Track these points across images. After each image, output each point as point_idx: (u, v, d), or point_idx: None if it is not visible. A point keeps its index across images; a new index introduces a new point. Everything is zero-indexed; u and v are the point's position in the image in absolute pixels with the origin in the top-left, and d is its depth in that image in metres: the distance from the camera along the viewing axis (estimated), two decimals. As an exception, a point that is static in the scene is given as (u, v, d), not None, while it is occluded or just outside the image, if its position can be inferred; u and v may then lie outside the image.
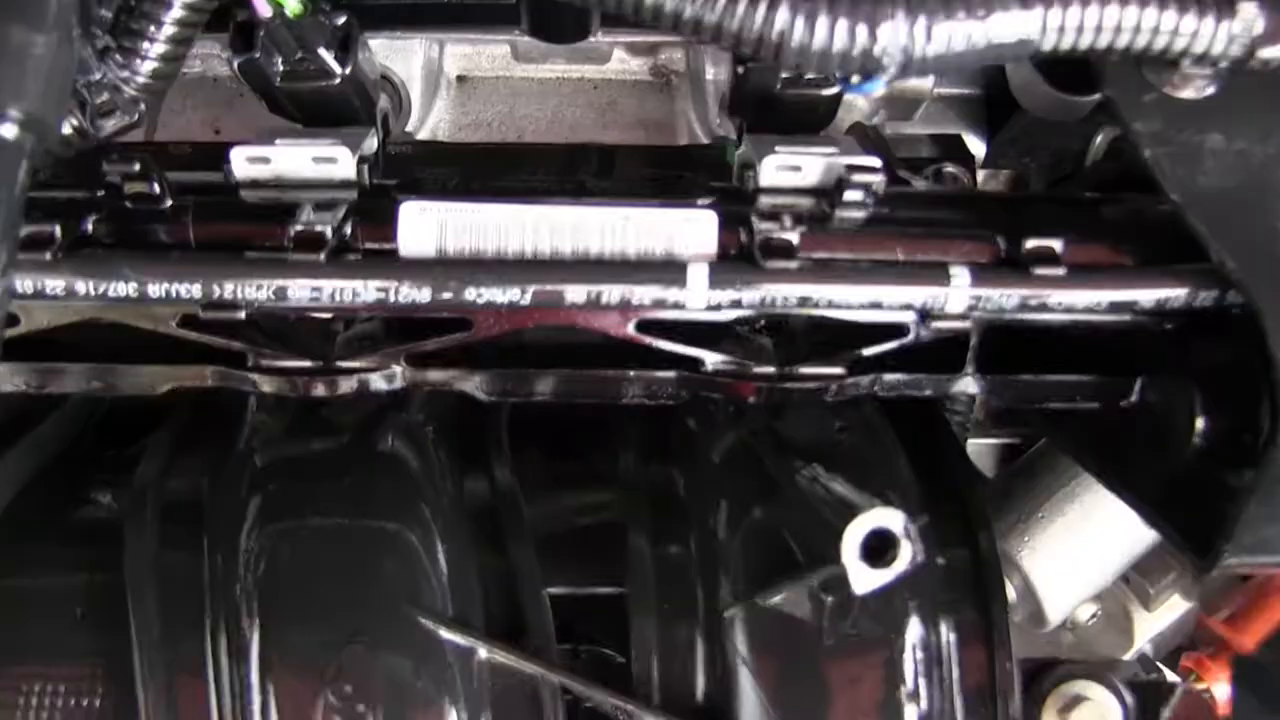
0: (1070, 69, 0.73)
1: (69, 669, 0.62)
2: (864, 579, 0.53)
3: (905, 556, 0.53)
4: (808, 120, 0.69)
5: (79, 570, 0.66)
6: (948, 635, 0.65)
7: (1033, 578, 0.86)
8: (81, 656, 0.63)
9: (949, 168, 0.81)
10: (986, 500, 0.73)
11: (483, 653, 0.60)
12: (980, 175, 0.98)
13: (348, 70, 0.66)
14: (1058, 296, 0.62)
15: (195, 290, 0.60)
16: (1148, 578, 0.95)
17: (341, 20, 0.65)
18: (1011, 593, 0.88)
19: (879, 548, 0.54)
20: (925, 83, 0.87)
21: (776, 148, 0.65)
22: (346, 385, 0.67)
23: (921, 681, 0.63)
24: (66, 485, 0.72)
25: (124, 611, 0.63)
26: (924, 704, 0.63)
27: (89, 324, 0.66)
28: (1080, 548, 0.86)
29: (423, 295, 0.61)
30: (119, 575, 0.64)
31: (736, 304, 0.62)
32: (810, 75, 0.64)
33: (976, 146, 0.97)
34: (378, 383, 0.67)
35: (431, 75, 0.84)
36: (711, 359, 0.66)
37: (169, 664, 0.62)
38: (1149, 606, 0.95)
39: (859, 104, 0.89)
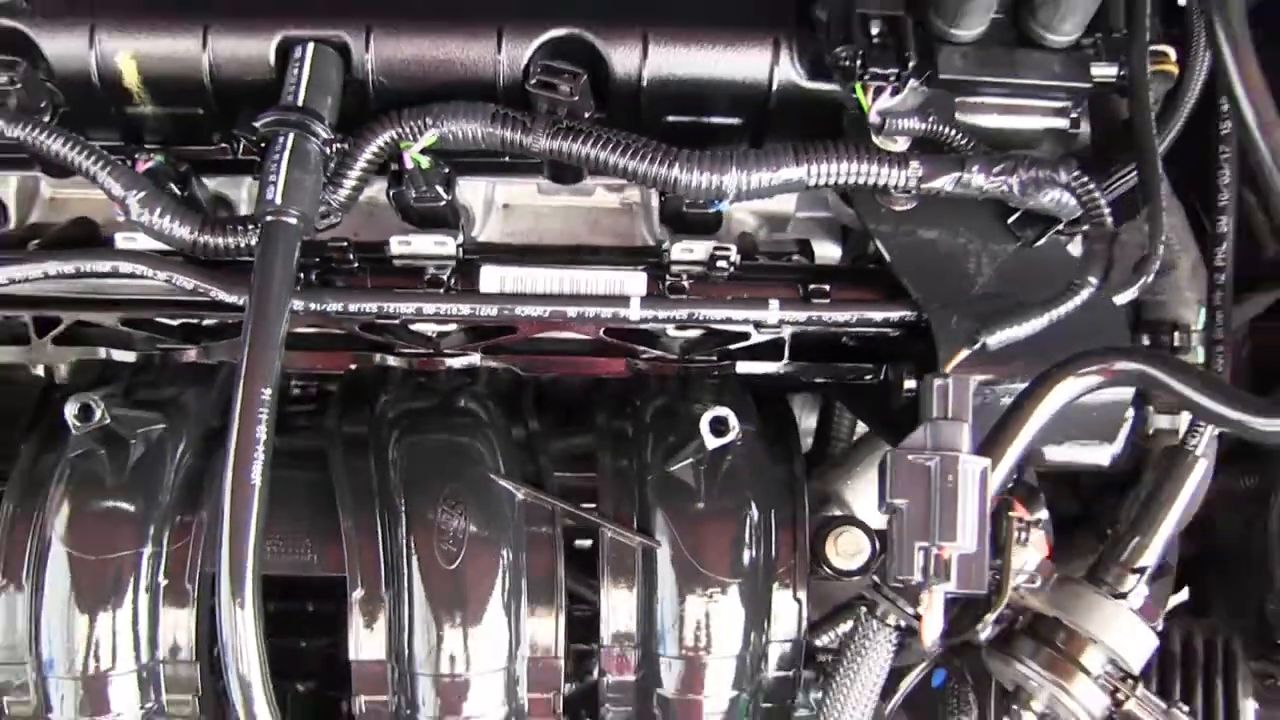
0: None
1: (295, 522, 1.15)
2: (711, 442, 1.05)
3: (733, 432, 1.06)
4: (703, 227, 1.24)
5: (296, 469, 1.18)
6: (771, 513, 1.15)
7: (854, 510, 1.37)
8: (301, 516, 1.15)
9: (796, 256, 1.36)
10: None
11: (519, 495, 1.12)
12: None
13: (450, 197, 1.20)
14: (827, 315, 1.16)
15: (373, 308, 1.15)
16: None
17: (447, 170, 1.20)
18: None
19: (720, 428, 1.06)
20: (788, 207, 1.41)
21: (682, 239, 1.21)
22: (439, 365, 1.21)
23: (756, 535, 1.13)
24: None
25: (328, 497, 1.14)
26: (755, 549, 1.13)
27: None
28: (884, 489, 1.37)
29: (493, 311, 1.15)
30: (324, 476, 1.16)
31: (656, 319, 1.16)
32: (697, 201, 1.19)
33: (834, 251, 1.52)
34: (456, 364, 1.21)
35: (487, 203, 1.38)
36: (645, 352, 1.21)
37: (357, 523, 1.12)
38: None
39: (749, 222, 1.44)
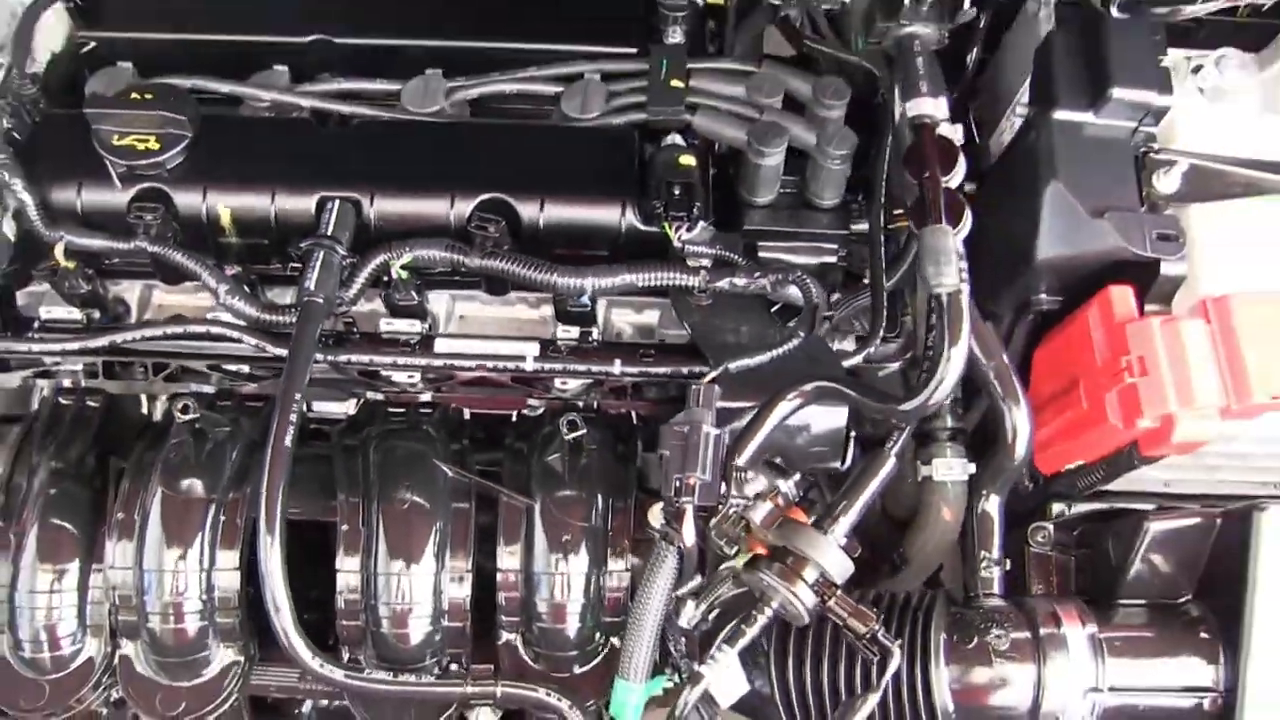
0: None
1: (309, 495, 1.77)
2: (565, 434, 1.69)
3: (581, 430, 1.70)
4: (581, 320, 1.90)
5: (313, 465, 1.82)
6: (611, 496, 1.78)
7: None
8: (314, 491, 1.78)
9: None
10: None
11: (450, 474, 1.75)
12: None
13: (420, 299, 1.88)
14: (652, 370, 1.81)
15: (366, 359, 1.81)
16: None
17: (419, 282, 1.88)
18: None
19: (572, 427, 1.70)
20: (653, 321, 2.06)
21: (565, 327, 1.88)
22: (408, 398, 1.87)
23: (599, 506, 1.76)
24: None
25: (331, 482, 1.78)
26: (597, 513, 1.75)
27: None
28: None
29: (441, 363, 1.81)
30: (329, 471, 1.80)
31: (543, 370, 1.82)
32: (572, 298, 1.86)
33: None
34: (420, 399, 1.87)
35: (449, 314, 2.04)
36: (541, 393, 1.86)
37: (348, 492, 1.76)
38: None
39: (626, 330, 2.09)
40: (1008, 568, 1.83)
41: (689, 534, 1.57)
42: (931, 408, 1.56)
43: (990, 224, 2.00)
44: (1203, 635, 1.74)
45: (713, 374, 1.69)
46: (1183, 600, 1.80)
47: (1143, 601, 1.80)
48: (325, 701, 1.88)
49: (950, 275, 1.50)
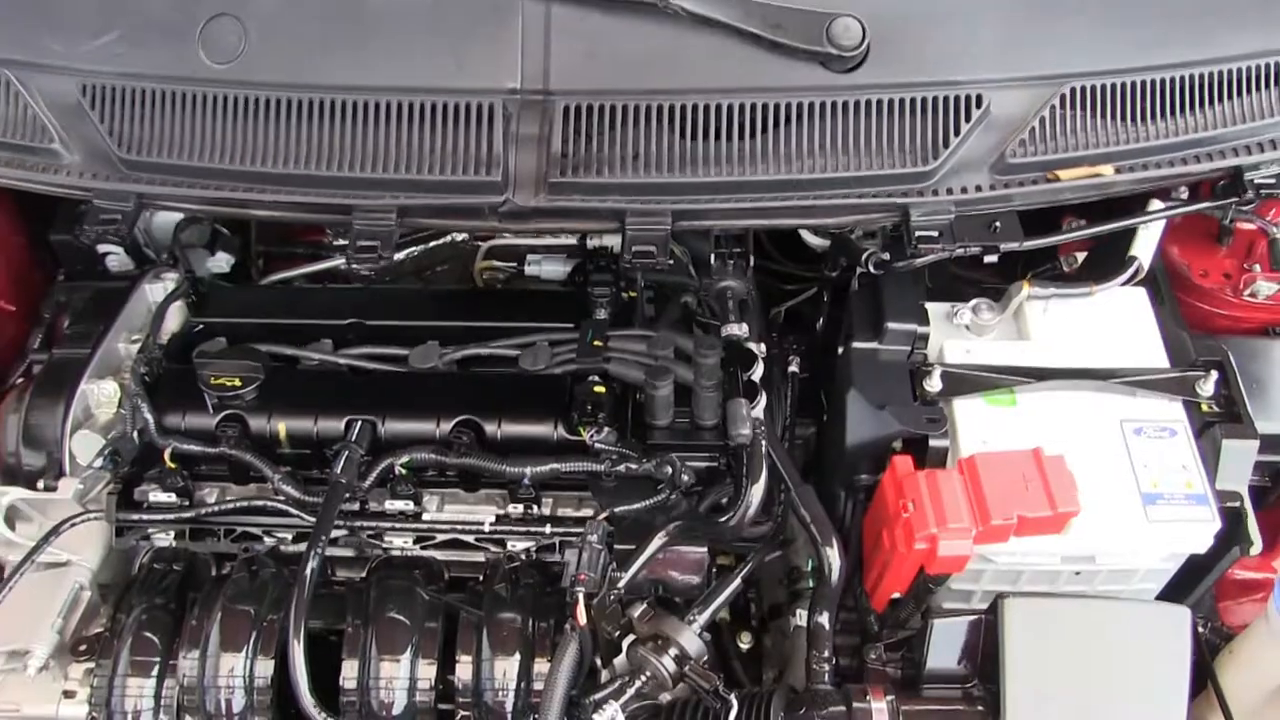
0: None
1: (325, 617, 2.47)
2: (506, 567, 2.40)
3: (517, 564, 2.40)
4: (528, 500, 2.66)
5: (330, 599, 2.52)
6: (539, 619, 2.45)
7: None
8: (328, 617, 2.48)
9: (583, 529, 2.74)
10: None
11: (426, 597, 2.44)
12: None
13: (414, 491, 2.64)
14: (570, 530, 2.54)
15: (372, 525, 2.57)
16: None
17: (415, 479, 2.65)
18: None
19: (510, 561, 2.41)
20: (588, 513, 2.81)
21: (512, 502, 2.64)
22: (403, 554, 2.60)
23: (529, 623, 2.43)
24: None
25: (343, 611, 2.49)
26: (528, 626, 2.43)
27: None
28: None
29: (424, 528, 2.56)
30: (343, 602, 2.51)
31: (497, 531, 2.55)
32: (519, 483, 2.62)
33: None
34: (411, 551, 2.60)
35: (439, 508, 2.81)
36: (494, 547, 2.58)
37: (354, 614, 2.46)
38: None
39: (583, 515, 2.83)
40: (836, 663, 2.44)
41: (581, 615, 2.24)
42: (746, 526, 2.28)
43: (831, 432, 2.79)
44: (979, 708, 2.32)
45: (603, 514, 2.42)
46: (971, 684, 2.39)
47: (940, 686, 2.39)
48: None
49: (746, 430, 2.28)
